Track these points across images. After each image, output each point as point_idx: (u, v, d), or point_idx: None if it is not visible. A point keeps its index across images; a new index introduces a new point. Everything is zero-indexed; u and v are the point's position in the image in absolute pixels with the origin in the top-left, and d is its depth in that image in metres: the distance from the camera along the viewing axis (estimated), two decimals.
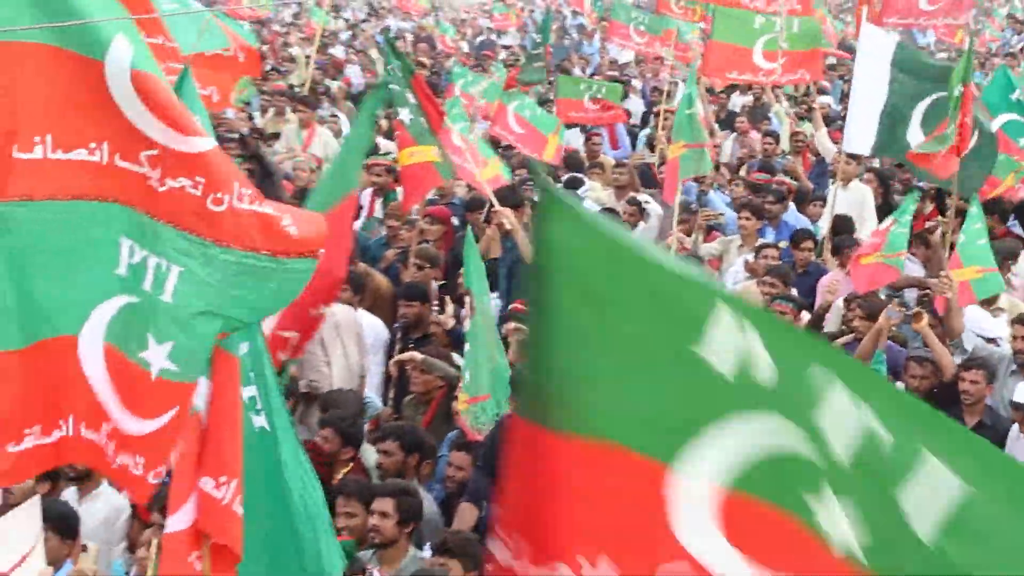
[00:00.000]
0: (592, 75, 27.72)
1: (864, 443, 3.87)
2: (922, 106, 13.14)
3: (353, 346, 10.95)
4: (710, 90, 21.65)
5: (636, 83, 26.69)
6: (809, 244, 13.82)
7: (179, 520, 5.98)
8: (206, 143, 4.94)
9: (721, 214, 15.42)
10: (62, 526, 7.52)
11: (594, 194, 16.55)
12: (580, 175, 17.18)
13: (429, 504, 8.46)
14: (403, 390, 10.62)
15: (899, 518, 3.88)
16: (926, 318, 10.67)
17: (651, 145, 19.61)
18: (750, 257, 13.89)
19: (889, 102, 13.21)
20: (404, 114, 12.03)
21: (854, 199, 15.15)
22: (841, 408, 3.86)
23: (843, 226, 14.23)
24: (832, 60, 23.46)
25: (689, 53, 22.67)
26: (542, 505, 3.96)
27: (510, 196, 13.03)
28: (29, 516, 5.02)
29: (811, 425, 3.87)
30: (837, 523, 3.89)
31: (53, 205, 4.93)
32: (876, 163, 17.13)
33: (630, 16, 25.00)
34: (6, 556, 4.87)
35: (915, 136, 13.24)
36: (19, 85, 4.81)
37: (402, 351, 10.82)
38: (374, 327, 11.50)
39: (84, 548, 8.24)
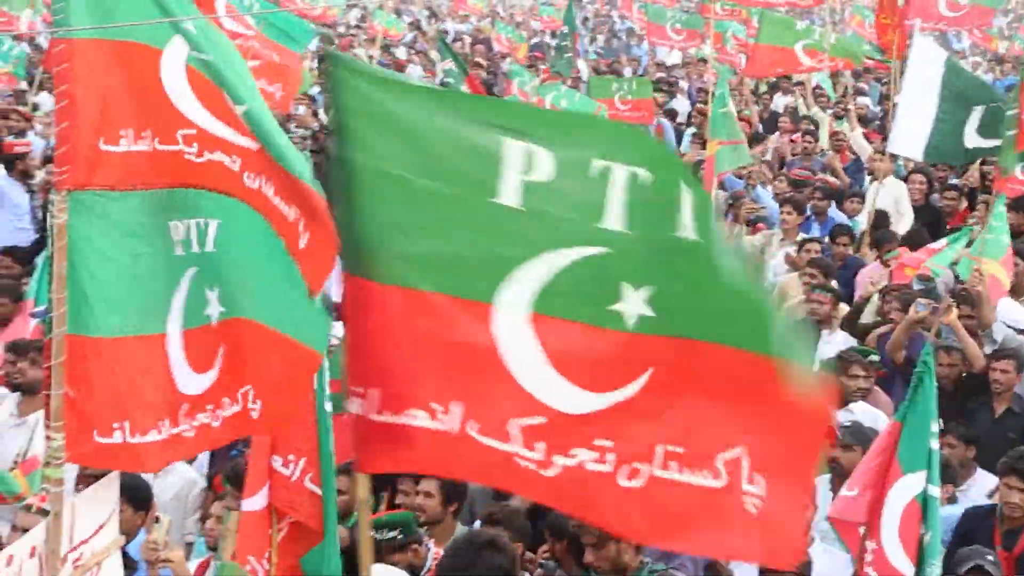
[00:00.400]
0: (640, 76, 27.71)
1: (641, 208, 4.12)
2: (976, 115, 13.09)
3: None
4: (755, 91, 21.61)
5: (683, 84, 26.65)
6: (846, 239, 13.79)
7: (255, 501, 6.05)
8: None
9: (763, 207, 15.38)
10: (136, 498, 7.58)
11: None
12: None
13: (472, 485, 8.46)
14: None
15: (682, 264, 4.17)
16: (955, 311, 10.62)
17: (703, 143, 19.67)
18: (791, 250, 13.87)
19: (941, 109, 13.16)
20: None
21: (890, 195, 15.10)
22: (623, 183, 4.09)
23: (881, 221, 14.20)
24: (870, 63, 23.35)
25: (732, 55, 22.64)
26: (386, 356, 4.01)
27: None
28: (108, 489, 5.09)
29: (601, 232, 4.07)
30: (637, 311, 4.12)
31: (135, 196, 4.93)
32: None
33: (666, 16, 24.99)
34: (86, 525, 4.93)
35: (972, 140, 13.19)
36: (110, 81, 4.84)
37: None
38: None
39: (157, 519, 8.32)
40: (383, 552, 7.29)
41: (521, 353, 4.09)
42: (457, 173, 4.04)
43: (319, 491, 5.93)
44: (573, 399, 4.16)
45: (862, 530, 7.07)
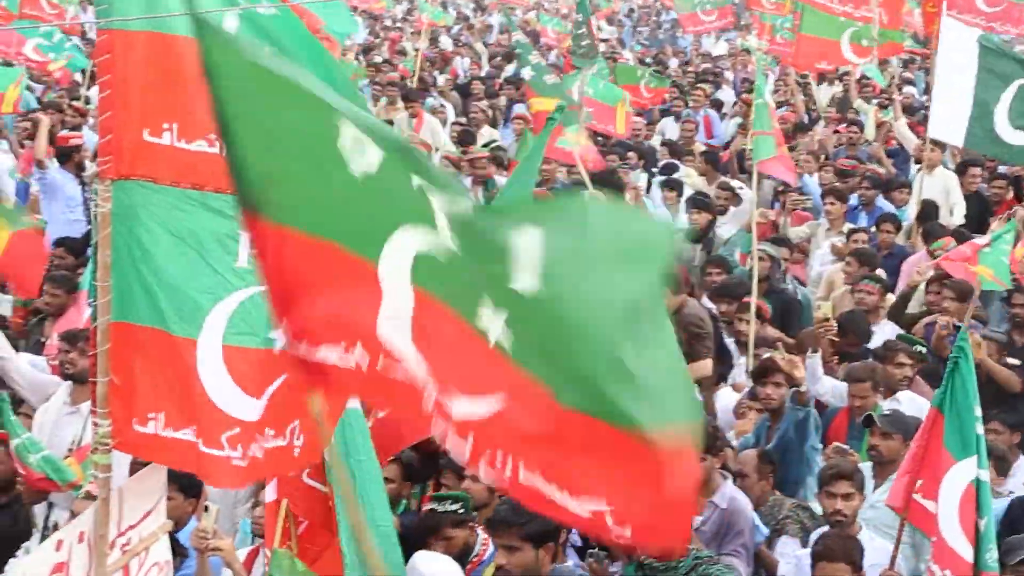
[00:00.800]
0: (685, 65, 27.68)
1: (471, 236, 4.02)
2: (1007, 96, 12.89)
3: None
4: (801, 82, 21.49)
5: (728, 74, 26.57)
6: (889, 227, 13.73)
7: (268, 494, 6.05)
8: None
9: (809, 197, 15.31)
10: (186, 485, 7.58)
11: (689, 179, 16.57)
12: (676, 161, 17.21)
13: None
14: None
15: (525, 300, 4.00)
16: (984, 347, 10.42)
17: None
18: (837, 240, 13.80)
19: (976, 94, 12.99)
20: (526, 72, 12.33)
21: (939, 186, 14.97)
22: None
23: (929, 212, 14.09)
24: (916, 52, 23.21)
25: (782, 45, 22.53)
26: (294, 294, 3.95)
27: (608, 179, 13.06)
28: (155, 475, 5.10)
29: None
30: (496, 329, 4.01)
31: (176, 192, 4.92)
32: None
33: (693, 3, 24.92)
34: (134, 510, 4.95)
35: (1004, 130, 13.02)
36: (154, 73, 4.83)
37: None
38: None
39: (206, 508, 8.33)
40: (444, 525, 7.34)
41: (399, 316, 4.04)
42: (309, 135, 3.97)
43: (321, 487, 5.88)
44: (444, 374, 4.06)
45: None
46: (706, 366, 10.47)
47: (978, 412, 6.89)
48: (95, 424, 4.75)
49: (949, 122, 13.15)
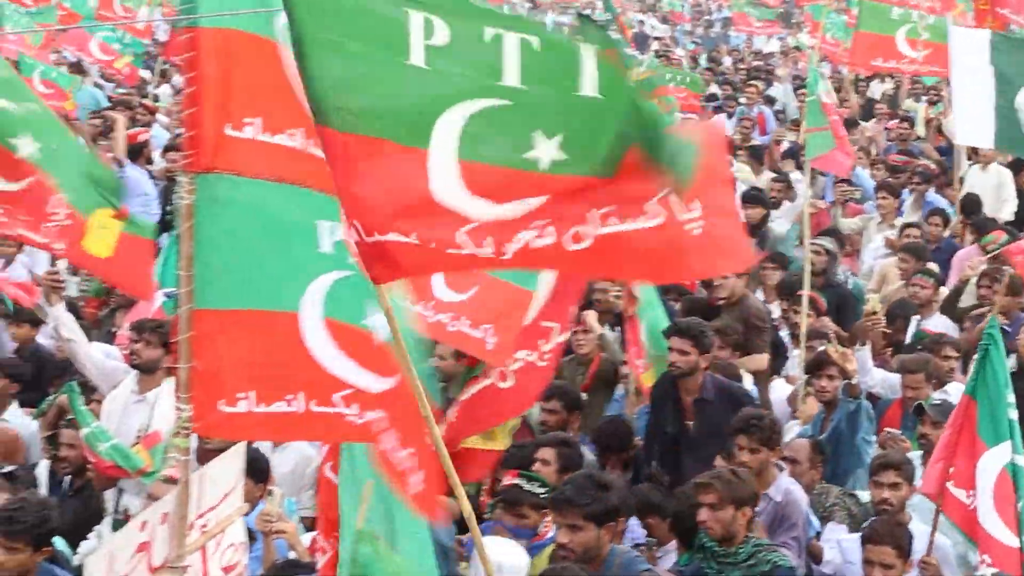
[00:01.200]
0: (739, 63, 27.64)
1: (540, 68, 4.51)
2: None
3: None
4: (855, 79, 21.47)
5: (780, 72, 26.53)
6: (938, 220, 13.69)
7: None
8: None
9: (858, 189, 15.32)
10: (255, 470, 7.66)
11: (741, 175, 16.60)
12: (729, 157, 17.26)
13: (588, 456, 8.51)
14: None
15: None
16: None
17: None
18: (889, 234, 13.79)
19: (996, 94, 12.84)
20: None
21: (992, 181, 14.90)
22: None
23: (972, 207, 14.04)
24: None
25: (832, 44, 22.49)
26: (361, 192, 4.50)
27: None
28: (234, 458, 5.18)
29: (501, 88, 4.51)
30: (550, 156, 4.53)
31: (257, 184, 4.98)
32: None
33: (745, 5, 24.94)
34: (213, 492, 5.02)
35: None
36: (235, 70, 4.89)
37: None
38: None
39: (270, 492, 8.42)
40: (524, 502, 7.42)
41: (453, 191, 4.53)
42: (375, 38, 4.50)
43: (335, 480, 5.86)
44: (499, 210, 4.56)
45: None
46: (763, 360, 10.48)
47: (1011, 398, 6.88)
48: (178, 409, 4.81)
49: (975, 126, 12.96)
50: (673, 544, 7.71)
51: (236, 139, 4.85)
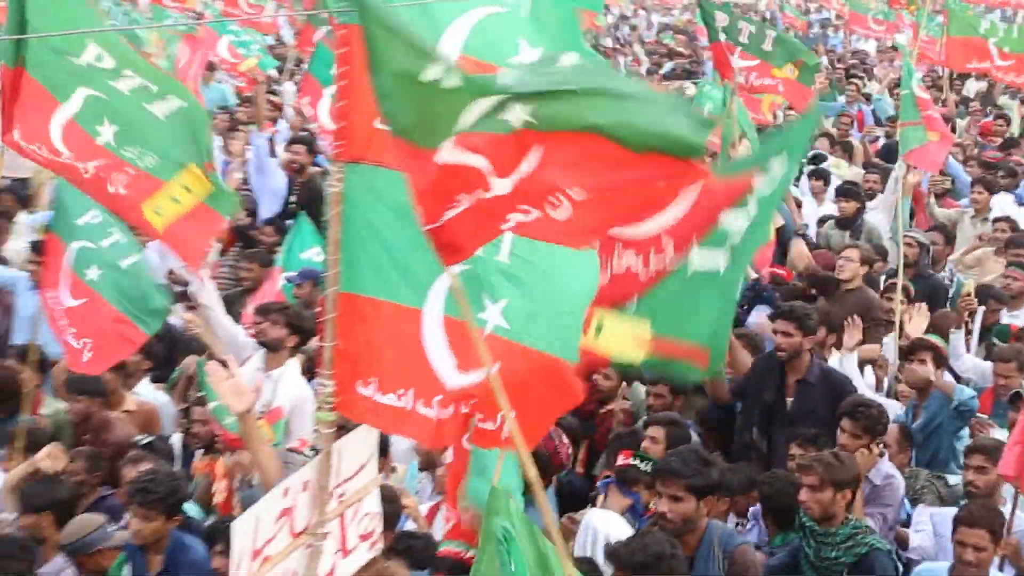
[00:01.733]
0: (837, 61, 27.45)
1: None
2: None
3: None
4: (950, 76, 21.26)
5: (877, 70, 26.33)
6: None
7: (450, 454, 6.19)
8: None
9: (949, 177, 15.31)
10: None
11: (837, 170, 16.57)
12: (824, 152, 17.19)
13: (695, 437, 8.61)
14: None
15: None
16: None
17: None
18: (982, 228, 13.79)
19: None
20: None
21: None
22: None
23: None
24: None
25: (925, 43, 22.30)
26: (433, 203, 4.32)
27: None
28: (370, 433, 5.28)
29: None
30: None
31: (401, 176, 5.08)
32: None
33: (868, 7, 24.73)
34: (350, 464, 5.14)
35: None
36: None
37: None
38: None
39: (393, 469, 8.57)
40: (641, 481, 7.54)
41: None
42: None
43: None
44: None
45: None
46: (875, 350, 10.53)
47: None
48: (322, 384, 4.97)
49: None
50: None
51: (385, 132, 4.96)
